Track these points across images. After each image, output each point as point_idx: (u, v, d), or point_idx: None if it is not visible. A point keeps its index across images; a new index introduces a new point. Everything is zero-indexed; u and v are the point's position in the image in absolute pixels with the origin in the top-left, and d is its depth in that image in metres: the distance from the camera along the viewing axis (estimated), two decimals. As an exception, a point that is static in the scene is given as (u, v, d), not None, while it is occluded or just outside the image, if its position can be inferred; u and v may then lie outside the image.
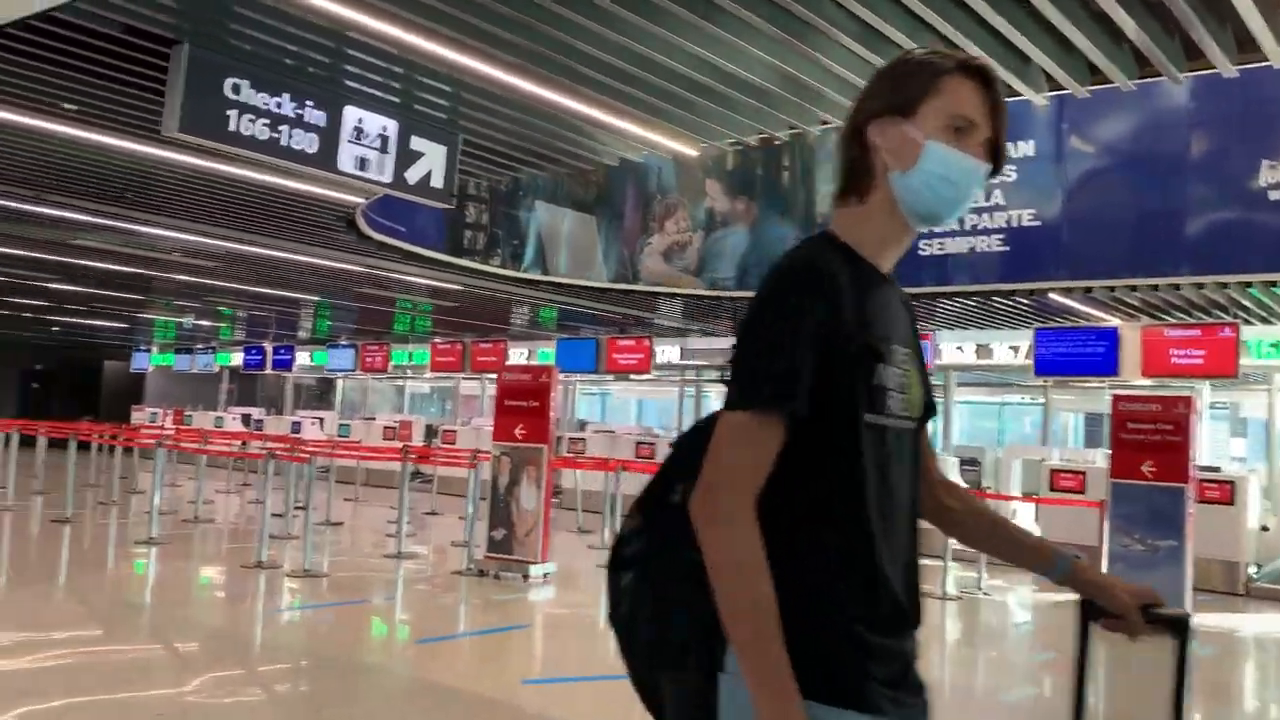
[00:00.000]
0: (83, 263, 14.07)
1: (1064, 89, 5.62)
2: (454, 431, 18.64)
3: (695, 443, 1.58)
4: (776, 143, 7.19)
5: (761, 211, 12.67)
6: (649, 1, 4.74)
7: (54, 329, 26.35)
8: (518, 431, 9.58)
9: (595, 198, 13.38)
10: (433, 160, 6.23)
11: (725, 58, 5.33)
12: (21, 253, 13.49)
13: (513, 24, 4.95)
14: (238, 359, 27.13)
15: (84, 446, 15.80)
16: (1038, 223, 10.22)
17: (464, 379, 22.55)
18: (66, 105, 6.40)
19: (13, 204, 9.77)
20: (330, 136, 5.71)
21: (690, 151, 6.99)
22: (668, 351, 18.24)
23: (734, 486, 1.44)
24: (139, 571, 9.51)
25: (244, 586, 8.91)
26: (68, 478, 12.69)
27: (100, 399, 30.78)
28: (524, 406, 9.62)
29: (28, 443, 16.16)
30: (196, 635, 7.17)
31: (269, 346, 25.92)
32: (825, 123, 6.34)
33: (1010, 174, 10.27)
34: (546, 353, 19.64)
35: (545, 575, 9.37)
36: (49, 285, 17.28)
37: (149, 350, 30.35)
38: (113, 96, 6.14)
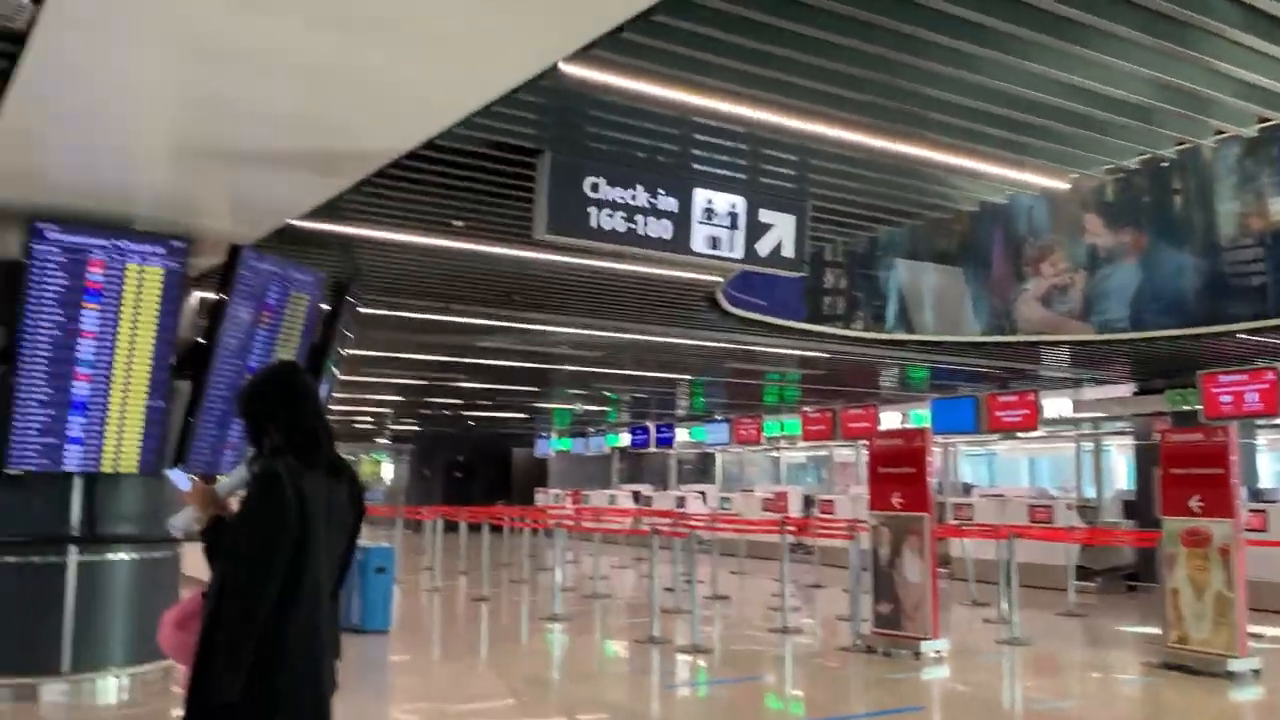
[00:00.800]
0: (487, 362, 15.55)
1: None
2: (831, 501, 18.36)
3: None
4: (1163, 164, 6.44)
5: (1152, 241, 11.44)
6: (1008, 34, 4.42)
7: (469, 423, 29.35)
8: (895, 499, 9.18)
9: (958, 247, 12.76)
10: (782, 230, 6.19)
11: (1096, 79, 4.85)
12: (436, 357, 15.17)
13: (859, 82, 4.82)
14: (625, 439, 28.69)
15: (497, 529, 17.28)
16: None
17: (837, 446, 22.25)
18: (455, 222, 7.09)
19: (426, 315, 11.01)
20: (682, 220, 5.85)
21: (1062, 186, 6.43)
22: (1057, 404, 16.87)
23: None
24: (547, 647, 10.11)
25: (640, 661, 9.17)
26: (483, 558, 13.89)
27: (511, 483, 33.74)
28: (899, 473, 9.21)
29: (451, 527, 17.95)
30: (598, 710, 7.44)
31: (652, 425, 27.17)
32: (1220, 132, 5.57)
33: None
34: (920, 415, 18.90)
35: (938, 652, 8.80)
36: (460, 384, 19.26)
37: (549, 436, 32.95)
38: (490, 209, 6.72)
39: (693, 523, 14.02)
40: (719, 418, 24.54)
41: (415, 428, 31.52)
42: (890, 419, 19.66)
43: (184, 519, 3.01)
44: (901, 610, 8.97)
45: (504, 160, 5.72)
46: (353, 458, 36.52)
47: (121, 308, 6.58)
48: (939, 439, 16.23)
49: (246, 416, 3.01)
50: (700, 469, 27.95)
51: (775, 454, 25.21)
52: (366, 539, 12.21)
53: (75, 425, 6.52)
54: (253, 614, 2.68)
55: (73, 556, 6.88)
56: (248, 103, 4.81)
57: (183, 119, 5.09)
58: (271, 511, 2.76)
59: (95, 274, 6.49)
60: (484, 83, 4.59)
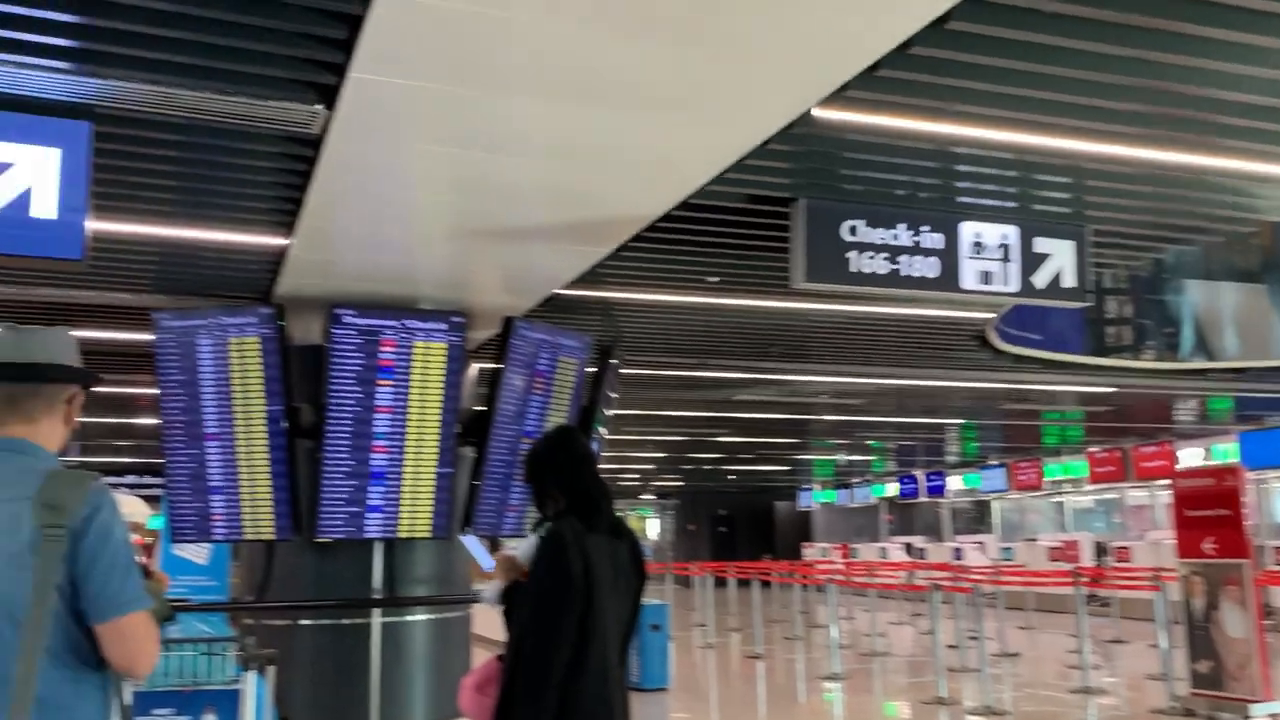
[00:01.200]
0: (746, 415, 15.55)
1: None
2: (1127, 548, 16.91)
3: None
4: None
5: None
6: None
7: (730, 476, 29.42)
8: (1207, 546, 8.28)
9: (1262, 263, 11.55)
10: (1061, 259, 5.79)
11: None
12: (696, 413, 15.33)
13: (1135, 92, 4.45)
14: (893, 489, 27.78)
15: (764, 583, 17.09)
16: None
17: (1129, 488, 20.53)
18: (711, 278, 7.15)
19: (684, 371, 11.16)
20: (949, 257, 5.60)
21: (1390, 182, 5.67)
22: (1395, 430, 14.85)
23: None
24: (827, 706, 9.80)
25: (926, 724, 8.70)
26: (755, 614, 13.73)
27: (775, 537, 33.43)
28: (1210, 515, 8.31)
29: (719, 582, 17.92)
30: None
31: (920, 474, 26.18)
32: None
33: None
34: (1224, 450, 17.13)
35: (1272, 716, 7.80)
36: (721, 438, 19.36)
37: (812, 488, 32.45)
38: (745, 262, 6.72)
39: (974, 576, 13.28)
40: (994, 463, 23.29)
41: (678, 483, 31.94)
42: (1190, 456, 17.95)
43: (492, 591, 3.10)
44: (1223, 668, 8.03)
45: (757, 212, 5.70)
46: (620, 513, 37.39)
47: (411, 382, 7.04)
48: (1251, 475, 14.65)
49: (530, 481, 3.08)
50: (976, 518, 26.57)
51: (1059, 499, 23.58)
52: (640, 597, 12.40)
53: (375, 494, 7.00)
54: (546, 680, 2.70)
55: (376, 619, 7.36)
56: (511, 183, 5.05)
57: (457, 204, 5.41)
58: (558, 575, 2.79)
59: (387, 352, 6.99)
60: (736, 139, 4.60)
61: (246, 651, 5.06)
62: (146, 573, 5.03)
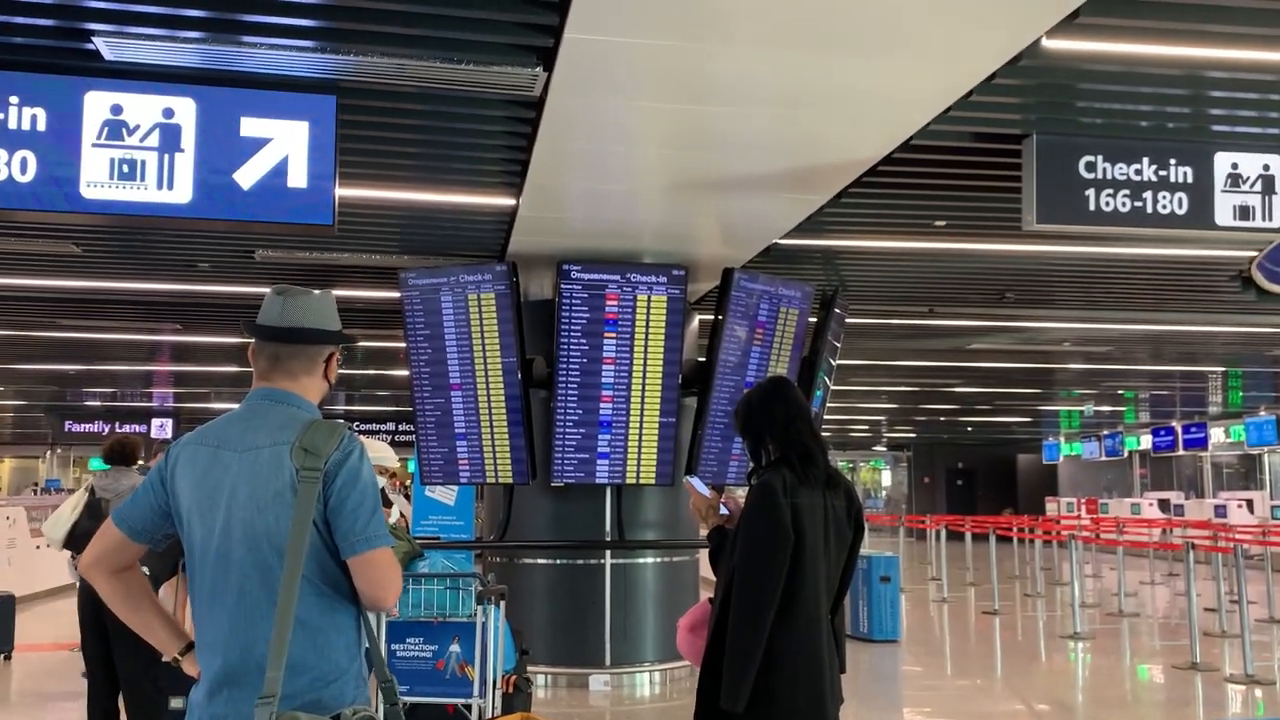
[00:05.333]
0: (981, 364, 14.93)
1: None
2: None
3: None
4: None
5: None
6: None
7: (967, 429, 28.39)
8: None
9: None
10: (1335, 187, 5.21)
11: None
12: (927, 363, 14.87)
13: None
14: (1146, 442, 25.99)
15: (1004, 539, 16.47)
16: None
17: None
18: (938, 222, 6.89)
19: (913, 320, 10.83)
20: (1201, 191, 5.13)
21: None
22: None
23: None
24: (1069, 667, 9.40)
25: (1180, 690, 8.19)
26: (992, 570, 13.29)
27: (1017, 491, 32.06)
28: None
29: (955, 536, 17.43)
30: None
31: (1178, 425, 24.34)
32: None
33: None
34: None
35: None
36: (955, 389, 18.70)
37: (1057, 440, 30.85)
38: (974, 204, 6.43)
39: (1238, 535, 12.29)
40: (1264, 414, 21.32)
41: (911, 434, 31.16)
42: None
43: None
44: None
45: (985, 151, 5.44)
46: (850, 464, 37.03)
47: (634, 334, 7.24)
48: None
49: (744, 433, 3.10)
50: (1242, 473, 24.47)
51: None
52: (869, 547, 12.26)
53: (603, 442, 7.27)
54: (754, 628, 2.74)
55: (608, 560, 7.68)
56: (730, 133, 5.05)
57: (675, 157, 5.48)
58: (767, 525, 2.81)
59: (612, 306, 7.20)
60: (959, 75, 4.40)
61: (484, 586, 5.42)
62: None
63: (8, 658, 8.80)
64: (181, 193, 4.29)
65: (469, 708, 5.22)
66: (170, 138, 4.27)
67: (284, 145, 4.31)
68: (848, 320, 9.06)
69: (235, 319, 10.55)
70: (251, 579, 2.13)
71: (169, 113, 4.27)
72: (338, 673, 2.14)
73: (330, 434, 2.16)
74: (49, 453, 31.71)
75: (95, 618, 5.00)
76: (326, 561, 2.15)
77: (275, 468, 2.14)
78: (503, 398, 7.28)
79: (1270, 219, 5.21)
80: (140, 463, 5.62)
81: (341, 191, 4.61)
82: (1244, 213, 5.21)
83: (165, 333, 11.81)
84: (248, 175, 4.33)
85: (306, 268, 8.19)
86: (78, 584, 5.10)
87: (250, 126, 4.32)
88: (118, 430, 16.62)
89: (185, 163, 4.28)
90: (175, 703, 5.25)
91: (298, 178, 4.33)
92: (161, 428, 19.88)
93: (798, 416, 3.03)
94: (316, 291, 2.39)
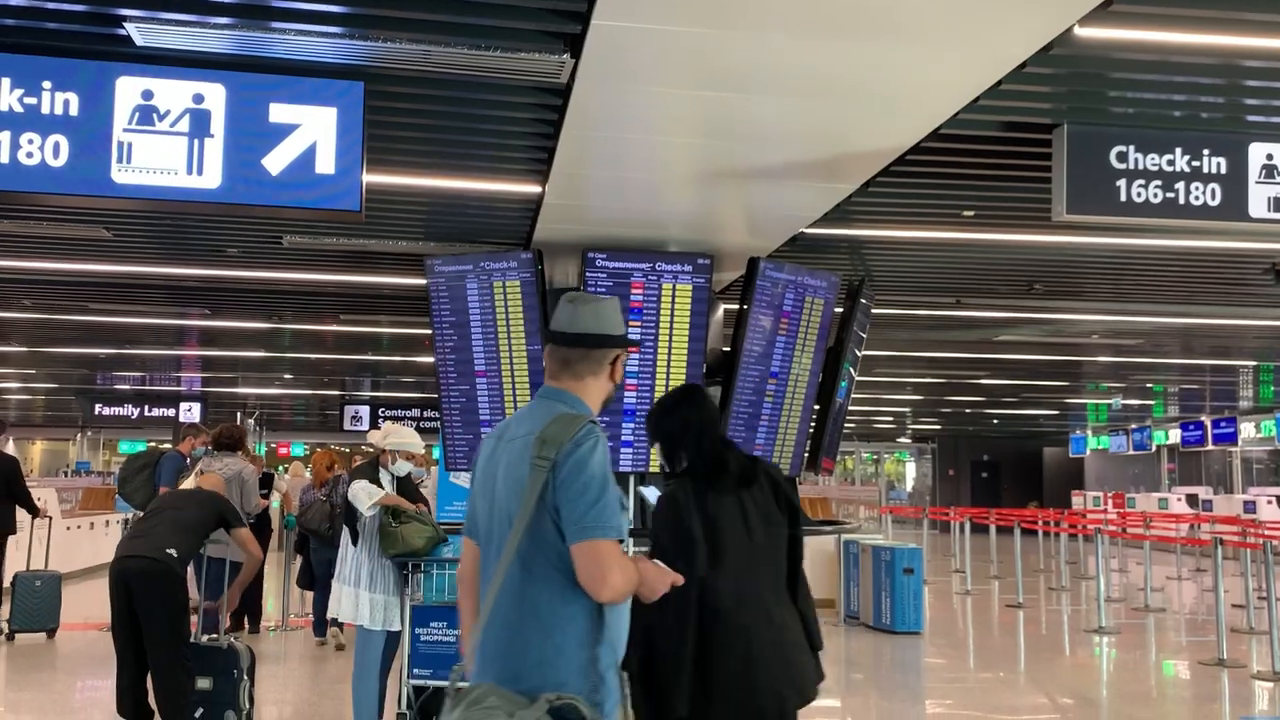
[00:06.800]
0: (1008, 356, 14.83)
1: None
2: None
3: None
4: None
5: None
6: None
7: (993, 421, 28.20)
8: None
9: None
10: (1372, 180, 5.12)
11: None
12: (952, 355, 14.77)
13: None
14: (1175, 436, 25.74)
15: (1028, 532, 16.36)
16: None
17: None
18: (966, 212, 6.83)
19: (940, 311, 10.77)
20: (1235, 182, 5.06)
21: None
22: None
23: None
24: (1094, 661, 9.34)
25: (1206, 686, 8.12)
26: (1016, 563, 13.22)
27: (1043, 484, 31.85)
28: None
29: (979, 529, 17.34)
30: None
31: (1207, 420, 24.08)
32: None
33: None
34: None
35: None
36: (981, 380, 18.58)
37: (1084, 434, 30.60)
38: (1003, 194, 6.37)
39: (1267, 531, 12.15)
40: (1296, 409, 21.08)
41: (936, 426, 31.00)
42: None
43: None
44: None
45: (1015, 140, 5.39)
46: (875, 456, 36.90)
47: (659, 323, 7.23)
48: None
49: (656, 440, 3.19)
50: (1273, 469, 24.19)
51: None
52: (893, 539, 12.21)
53: (627, 430, 7.27)
54: (678, 633, 2.89)
55: (631, 547, 7.67)
56: (757, 122, 5.03)
57: (701, 146, 5.46)
58: (669, 536, 2.97)
59: (637, 294, 7.20)
60: (991, 64, 4.36)
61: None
62: (396, 513, 5.45)
63: (51, 635, 8.94)
64: (211, 178, 4.32)
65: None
66: (200, 123, 4.30)
67: (312, 131, 4.33)
68: (874, 311, 9.01)
69: (263, 304, 10.63)
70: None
71: (199, 98, 4.30)
72: (564, 661, 2.24)
73: (568, 426, 2.30)
74: (79, 435, 32.14)
75: (125, 600, 5.07)
76: (562, 553, 2.26)
77: (522, 456, 2.32)
78: (528, 385, 7.30)
79: (1305, 211, 5.13)
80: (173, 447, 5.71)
81: (369, 178, 4.63)
82: (1278, 204, 5.14)
83: (194, 317, 11.91)
84: (276, 161, 4.35)
85: (334, 254, 8.24)
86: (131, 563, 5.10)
87: (279, 112, 4.35)
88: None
89: (215, 148, 4.31)
90: (202, 683, 5.32)
91: (326, 164, 4.35)
92: (189, 411, 20.05)
93: (708, 425, 3.13)
94: (604, 299, 2.57)
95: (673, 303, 7.22)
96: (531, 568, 2.26)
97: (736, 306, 7.55)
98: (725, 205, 6.58)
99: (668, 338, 7.26)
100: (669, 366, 7.25)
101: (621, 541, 2.28)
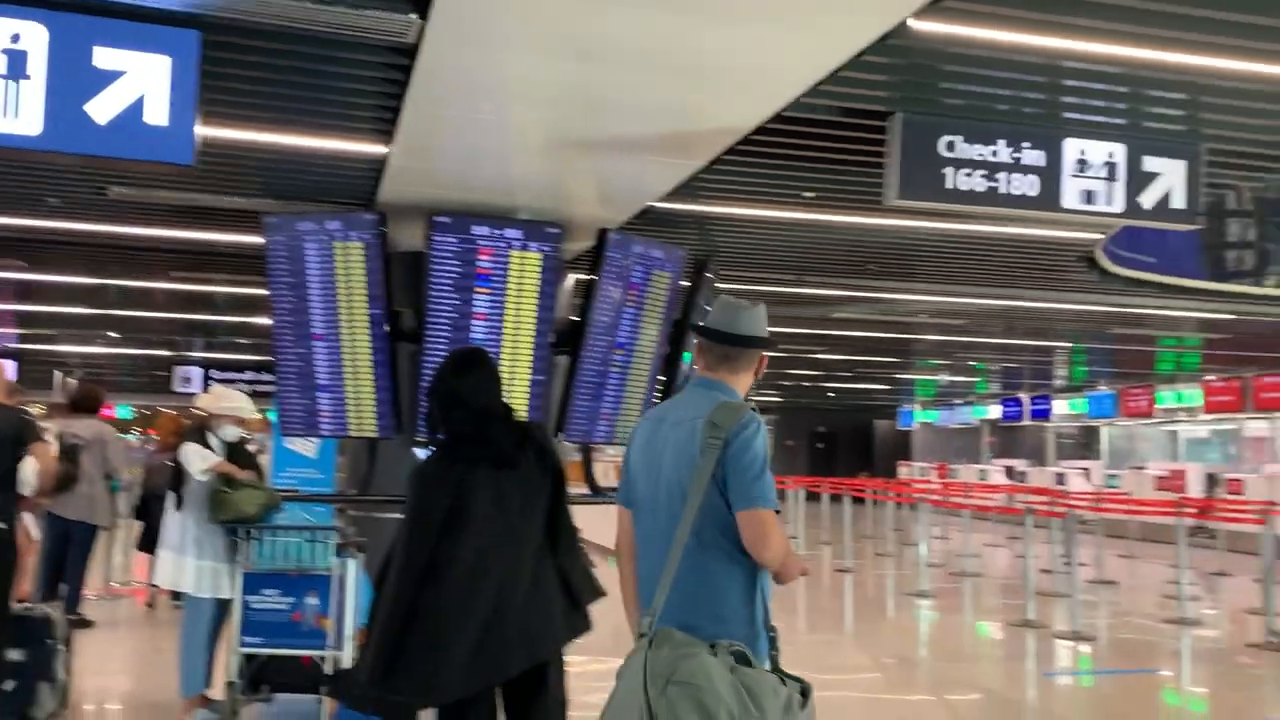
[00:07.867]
0: (844, 333, 15.41)
1: None
2: (1240, 480, 16.38)
3: None
4: None
5: None
6: None
7: (829, 394, 29.27)
8: (1320, 479, 8.01)
9: (1402, 185, 10.81)
10: (1171, 179, 5.55)
11: None
12: (794, 330, 15.25)
13: (1258, 2, 4.22)
14: (995, 411, 27.30)
15: (859, 500, 17.11)
16: None
17: (1247, 419, 19.77)
18: (806, 193, 7.06)
19: (781, 288, 11.09)
20: (1051, 175, 5.41)
21: None
22: None
23: None
24: (914, 623, 9.88)
25: (1014, 645, 8.73)
26: (846, 530, 13.82)
27: (874, 456, 33.29)
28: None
29: (813, 497, 18.02)
30: (969, 691, 7.17)
31: (1025, 397, 25.63)
32: None
33: None
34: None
35: (1377, 656, 7.61)
36: (818, 355, 19.25)
37: (912, 408, 32.10)
38: (841, 177, 6.61)
39: (1074, 502, 13.08)
40: (1103, 389, 22.66)
41: (776, 399, 31.95)
42: (1314, 387, 17.19)
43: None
44: (1328, 606, 7.84)
45: (853, 126, 5.60)
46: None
47: (507, 290, 7.19)
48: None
49: (430, 399, 3.43)
50: (1082, 444, 25.99)
51: (1173, 428, 22.84)
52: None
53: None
54: (396, 598, 3.19)
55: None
56: (605, 95, 5.05)
57: (550, 115, 5.44)
58: (410, 506, 3.28)
59: (484, 261, 7.13)
60: (831, 51, 4.50)
61: (343, 538, 5.37)
62: (229, 480, 5.32)
63: None
64: (30, 123, 4.06)
65: (324, 660, 5.19)
66: (17, 64, 4.03)
67: (142, 79, 4.11)
68: (718, 286, 9.21)
69: (86, 257, 10.04)
70: (673, 524, 2.63)
71: (15, 37, 4.02)
72: (731, 614, 2.69)
73: (735, 412, 2.68)
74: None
75: None
76: (728, 522, 2.63)
77: (691, 436, 2.68)
78: (368, 350, 7.14)
79: (1112, 204, 5.53)
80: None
81: (204, 130, 4.44)
82: (1089, 197, 5.52)
83: (9, 270, 11.15)
84: (102, 108, 4.12)
85: (164, 208, 7.85)
86: None
87: (105, 57, 4.11)
88: None
89: (33, 91, 4.05)
90: (13, 654, 5.06)
91: (157, 114, 4.14)
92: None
93: (471, 396, 3.39)
94: (758, 305, 3.04)
95: (521, 271, 7.20)
96: (701, 535, 2.62)
97: (586, 276, 7.59)
98: (575, 175, 6.59)
99: (515, 306, 7.22)
100: (517, 335, 7.24)
101: (778, 513, 2.68)
